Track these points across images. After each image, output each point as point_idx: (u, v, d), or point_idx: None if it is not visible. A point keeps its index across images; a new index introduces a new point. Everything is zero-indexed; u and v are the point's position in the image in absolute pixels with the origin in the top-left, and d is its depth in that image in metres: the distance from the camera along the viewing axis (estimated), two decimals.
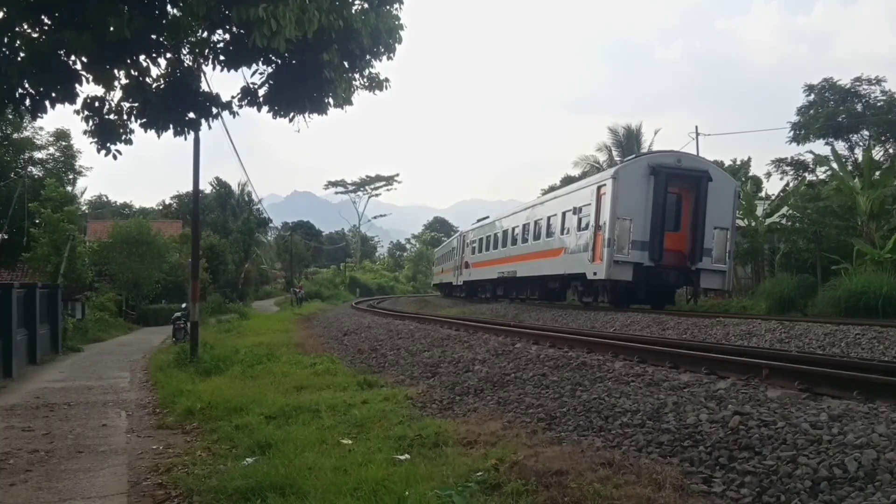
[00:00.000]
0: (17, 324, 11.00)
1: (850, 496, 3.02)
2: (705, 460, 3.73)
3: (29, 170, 30.18)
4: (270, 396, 6.82)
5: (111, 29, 4.39)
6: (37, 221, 23.07)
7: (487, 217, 29.00)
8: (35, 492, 4.32)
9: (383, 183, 79.59)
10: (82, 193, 37.99)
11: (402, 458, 4.24)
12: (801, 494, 3.14)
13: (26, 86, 4.90)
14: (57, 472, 4.78)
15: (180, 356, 11.21)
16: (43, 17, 4.82)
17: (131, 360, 13.24)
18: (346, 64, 5.50)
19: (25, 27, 4.88)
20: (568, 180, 34.95)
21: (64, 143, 32.87)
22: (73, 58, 4.90)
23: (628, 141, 34.61)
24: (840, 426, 3.73)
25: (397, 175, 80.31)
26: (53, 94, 4.98)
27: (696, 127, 28.74)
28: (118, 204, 56.27)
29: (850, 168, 20.75)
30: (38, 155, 32.78)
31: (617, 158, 32.06)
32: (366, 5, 5.26)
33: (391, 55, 5.50)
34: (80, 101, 5.33)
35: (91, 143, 5.70)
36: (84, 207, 39.20)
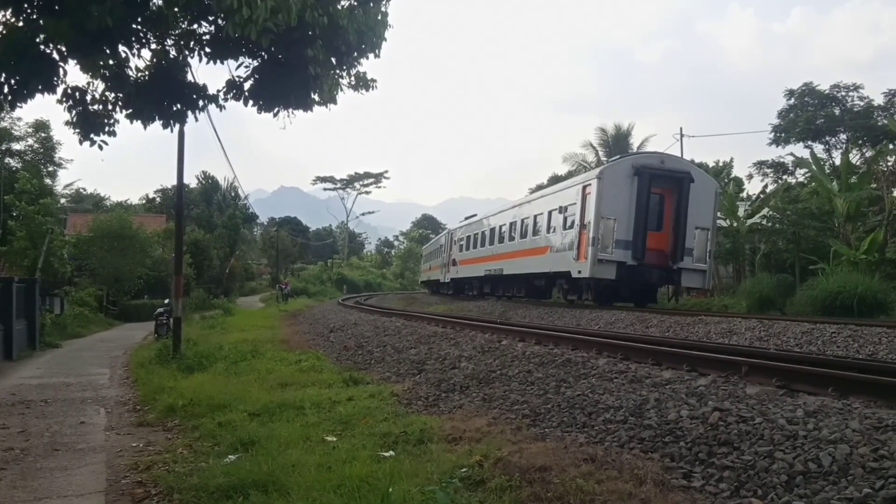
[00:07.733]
0: None
1: (824, 490, 3.09)
2: (685, 455, 3.79)
3: (6, 161, 29.38)
4: (254, 393, 6.76)
5: (92, 16, 4.30)
6: (13, 214, 22.49)
7: (475, 215, 29.04)
8: (9, 490, 4.23)
9: (372, 180, 79.22)
10: (65, 186, 37.00)
11: (386, 454, 4.24)
12: (777, 489, 3.21)
13: (3, 75, 4.78)
14: (32, 471, 4.67)
15: (162, 353, 11.03)
16: (23, 4, 4.70)
17: (112, 357, 13.00)
18: (332, 60, 5.45)
19: (3, 15, 4.76)
20: (555, 179, 35.16)
21: (43, 135, 32.05)
22: (51, 46, 4.79)
23: (616, 141, 34.89)
24: (815, 422, 3.81)
25: (386, 172, 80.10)
26: (32, 84, 4.86)
27: (681, 129, 29.08)
28: (96, 195, 54.91)
29: (827, 171, 21.23)
30: (16, 146, 31.94)
31: (603, 158, 32.34)
32: (353, 2, 5.21)
33: (377, 53, 5.47)
34: (60, 90, 5.22)
35: (73, 133, 5.58)
36: (64, 200, 38.27)
